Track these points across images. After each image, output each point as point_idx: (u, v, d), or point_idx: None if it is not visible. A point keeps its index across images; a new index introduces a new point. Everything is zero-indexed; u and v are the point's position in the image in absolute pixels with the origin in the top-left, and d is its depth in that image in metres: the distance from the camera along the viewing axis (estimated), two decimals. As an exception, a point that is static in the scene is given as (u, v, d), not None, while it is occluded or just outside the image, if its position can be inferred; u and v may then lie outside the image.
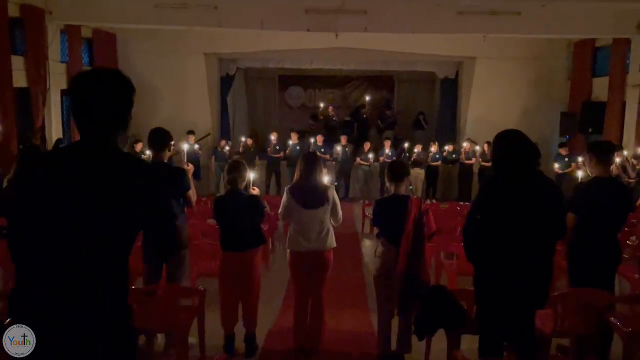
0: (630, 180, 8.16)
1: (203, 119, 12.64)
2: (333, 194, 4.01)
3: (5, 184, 5.35)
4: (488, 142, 10.40)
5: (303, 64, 13.75)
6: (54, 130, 9.88)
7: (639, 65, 10.01)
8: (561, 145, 10.82)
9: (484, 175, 10.80)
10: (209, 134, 12.75)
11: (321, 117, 14.35)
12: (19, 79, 8.72)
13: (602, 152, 3.81)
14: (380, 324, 3.95)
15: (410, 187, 6.07)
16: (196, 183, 4.82)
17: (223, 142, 12.08)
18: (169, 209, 3.94)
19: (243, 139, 12.28)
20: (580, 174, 5.57)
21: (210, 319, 3.85)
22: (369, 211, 8.33)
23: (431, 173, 11.85)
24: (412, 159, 11.61)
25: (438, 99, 14.72)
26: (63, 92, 10.19)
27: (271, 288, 5.27)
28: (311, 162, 4.00)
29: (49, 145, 9.14)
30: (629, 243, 5.65)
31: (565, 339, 3.61)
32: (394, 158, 11.21)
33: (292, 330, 4.13)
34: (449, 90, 13.88)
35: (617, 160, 8.32)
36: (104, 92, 1.75)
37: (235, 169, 3.99)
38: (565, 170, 10.17)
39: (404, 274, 3.66)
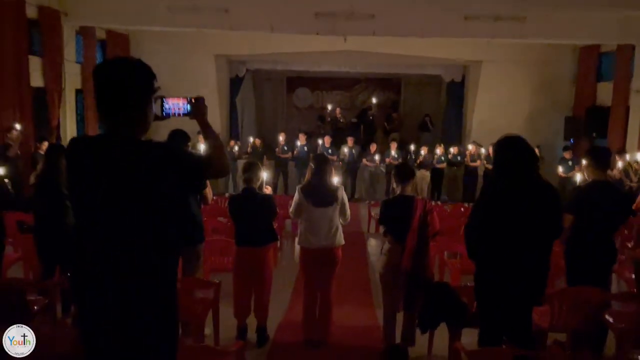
0: (632, 184, 8.28)
1: (212, 119, 12.22)
2: (342, 194, 4.21)
3: (32, 180, 5.51)
4: (493, 145, 10.49)
5: (311, 67, 13.92)
6: (69, 130, 10.10)
7: (643, 70, 10.16)
8: (565, 149, 10.94)
9: (488, 178, 10.90)
10: (218, 134, 12.90)
11: (328, 119, 14.52)
12: (36, 79, 8.94)
13: (600, 157, 3.99)
14: (386, 318, 4.11)
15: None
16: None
17: (232, 143, 12.29)
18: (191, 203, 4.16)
19: (251, 139, 12.48)
20: (578, 177, 5.73)
21: (223, 311, 4.02)
22: (374, 212, 8.47)
23: (436, 175, 11.88)
24: (418, 161, 11.68)
25: (444, 102, 14.83)
26: (78, 92, 10.44)
27: (279, 283, 5.39)
28: (322, 162, 4.20)
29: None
30: (629, 245, 5.81)
31: (562, 334, 3.77)
32: (399, 160, 11.36)
33: (301, 323, 4.29)
34: (455, 93, 14.00)
35: (620, 164, 8.47)
36: (126, 75, 1.84)
37: (250, 169, 4.18)
38: (569, 174, 10.21)
39: (409, 271, 3.84)
